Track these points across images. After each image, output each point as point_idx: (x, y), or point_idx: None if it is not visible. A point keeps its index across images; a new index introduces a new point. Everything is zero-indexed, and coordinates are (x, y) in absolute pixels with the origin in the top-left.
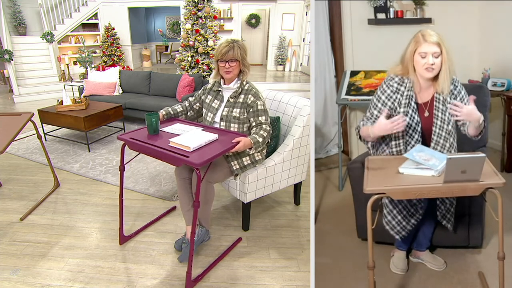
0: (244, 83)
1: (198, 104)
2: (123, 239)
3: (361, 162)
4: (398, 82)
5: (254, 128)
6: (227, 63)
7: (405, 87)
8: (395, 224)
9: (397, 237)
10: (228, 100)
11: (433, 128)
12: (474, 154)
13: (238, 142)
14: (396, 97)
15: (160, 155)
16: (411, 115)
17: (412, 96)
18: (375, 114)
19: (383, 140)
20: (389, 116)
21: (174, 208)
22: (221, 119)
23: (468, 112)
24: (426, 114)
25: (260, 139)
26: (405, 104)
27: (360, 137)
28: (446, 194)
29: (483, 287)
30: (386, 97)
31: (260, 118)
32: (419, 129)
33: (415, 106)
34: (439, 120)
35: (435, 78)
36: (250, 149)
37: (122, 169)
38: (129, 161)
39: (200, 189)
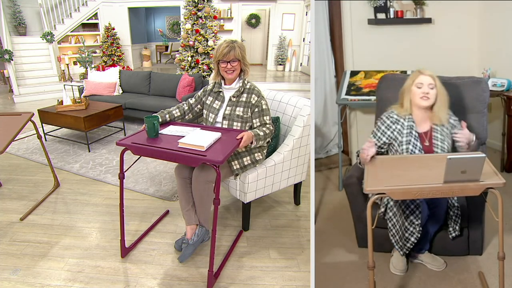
0: (246, 82)
1: (199, 106)
2: (125, 251)
3: (357, 178)
4: (397, 114)
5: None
6: (228, 63)
7: (404, 119)
8: (399, 238)
9: (401, 252)
10: (230, 100)
11: None
12: (474, 154)
13: (242, 138)
14: (396, 127)
15: (176, 157)
16: (414, 143)
17: (412, 126)
18: (377, 136)
19: None
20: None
21: (167, 212)
22: (224, 118)
23: (466, 136)
24: (426, 143)
25: (261, 133)
26: (407, 134)
27: (359, 162)
28: (447, 194)
29: (483, 287)
30: (386, 127)
31: (265, 118)
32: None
33: (417, 135)
34: (439, 149)
35: (431, 110)
36: (251, 143)
37: (121, 177)
38: (129, 168)
39: (200, 189)
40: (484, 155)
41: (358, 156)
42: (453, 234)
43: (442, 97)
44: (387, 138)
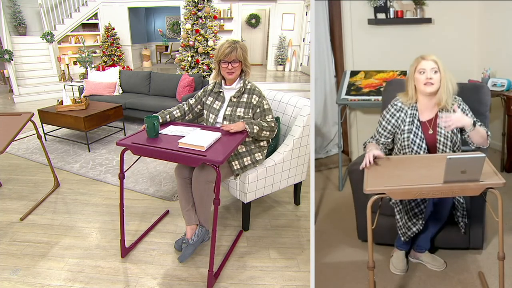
0: (247, 82)
1: (199, 106)
2: (125, 251)
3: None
4: (402, 103)
5: None
6: (229, 64)
7: (408, 107)
8: (402, 225)
9: (402, 238)
10: (230, 100)
11: (437, 145)
12: (474, 154)
13: (240, 132)
14: (400, 115)
15: (176, 157)
16: (415, 132)
17: (415, 114)
18: (379, 130)
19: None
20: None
21: (167, 212)
22: (224, 118)
23: (456, 119)
24: (430, 131)
25: (255, 122)
26: (409, 122)
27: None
28: (447, 194)
29: (483, 287)
30: (390, 115)
31: (267, 117)
32: (423, 145)
33: (419, 124)
34: (442, 137)
35: (437, 96)
36: (248, 133)
37: (121, 177)
38: (129, 168)
39: (200, 189)
40: (484, 155)
41: (365, 147)
42: (464, 229)
43: (446, 80)
44: (392, 127)
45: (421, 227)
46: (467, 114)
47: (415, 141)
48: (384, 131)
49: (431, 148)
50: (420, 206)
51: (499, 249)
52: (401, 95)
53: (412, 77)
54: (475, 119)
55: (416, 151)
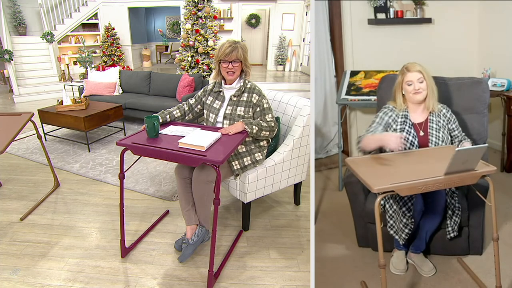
0: (247, 82)
1: (199, 106)
2: (125, 251)
3: None
4: (393, 105)
5: None
6: (230, 63)
7: (399, 109)
8: (397, 228)
9: (401, 242)
10: (230, 99)
11: (429, 144)
12: (477, 145)
13: (240, 132)
14: (392, 115)
15: (176, 157)
16: (408, 130)
17: (406, 115)
18: (373, 125)
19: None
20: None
21: (167, 212)
22: (225, 117)
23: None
24: (421, 133)
25: (255, 121)
26: (401, 122)
27: (359, 148)
28: (449, 185)
29: (465, 269)
30: (383, 113)
31: (266, 117)
32: (416, 142)
33: (410, 123)
34: (434, 137)
35: (425, 101)
36: (248, 133)
37: (121, 177)
38: (129, 168)
39: (200, 189)
40: (486, 145)
41: (358, 142)
42: (452, 235)
43: (431, 86)
44: (385, 124)
45: (412, 226)
46: (451, 120)
47: (407, 138)
48: (380, 125)
49: (422, 148)
50: (407, 204)
51: (493, 231)
52: (391, 103)
53: (400, 87)
54: (463, 134)
55: (409, 148)
